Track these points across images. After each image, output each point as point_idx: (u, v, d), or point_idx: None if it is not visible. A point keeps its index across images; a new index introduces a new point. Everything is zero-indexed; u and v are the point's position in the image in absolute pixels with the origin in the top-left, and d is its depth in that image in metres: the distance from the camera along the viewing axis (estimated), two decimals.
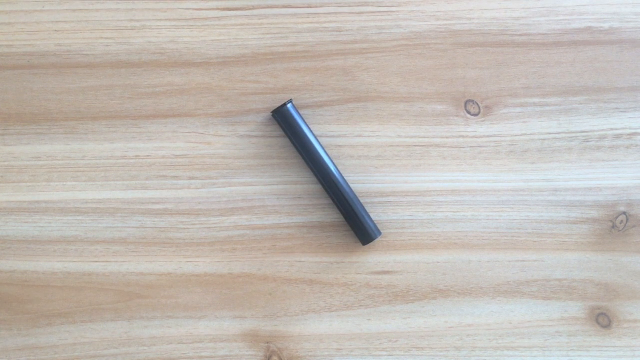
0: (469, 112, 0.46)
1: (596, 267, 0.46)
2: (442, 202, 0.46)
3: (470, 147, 0.46)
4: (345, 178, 0.45)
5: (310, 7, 0.46)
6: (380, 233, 0.45)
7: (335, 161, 0.46)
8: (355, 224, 0.45)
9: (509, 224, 0.46)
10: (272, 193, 0.46)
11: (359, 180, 0.46)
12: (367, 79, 0.46)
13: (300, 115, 0.45)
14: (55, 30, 0.46)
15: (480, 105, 0.46)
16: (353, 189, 0.45)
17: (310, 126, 0.45)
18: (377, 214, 0.46)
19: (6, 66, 0.46)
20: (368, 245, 0.45)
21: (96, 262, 0.46)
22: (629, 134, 0.46)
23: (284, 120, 0.44)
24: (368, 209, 0.46)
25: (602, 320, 0.46)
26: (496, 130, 0.46)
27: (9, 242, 0.46)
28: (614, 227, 0.46)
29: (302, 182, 0.46)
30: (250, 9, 0.46)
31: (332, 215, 0.46)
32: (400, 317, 0.46)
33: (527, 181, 0.46)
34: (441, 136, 0.46)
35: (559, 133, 0.46)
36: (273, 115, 0.45)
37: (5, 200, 0.46)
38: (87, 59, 0.46)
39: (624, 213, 0.46)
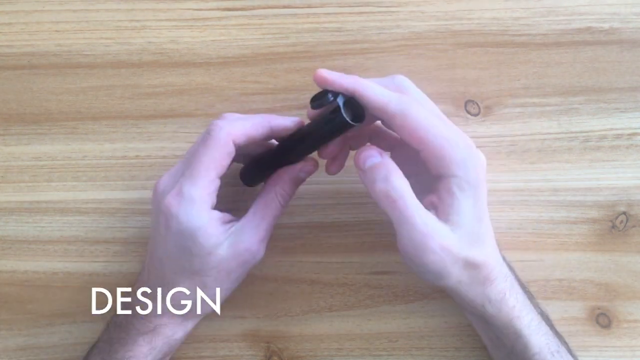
0: (469, 112, 0.46)
1: (596, 267, 0.46)
2: None
3: None
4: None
5: (310, 7, 0.46)
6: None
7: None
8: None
9: (509, 224, 0.46)
10: None
11: (359, 180, 0.46)
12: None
13: None
14: (55, 30, 0.46)
15: (480, 105, 0.46)
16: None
17: None
18: (377, 214, 0.46)
19: (6, 66, 0.46)
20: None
21: (96, 262, 0.46)
22: (629, 134, 0.46)
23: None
24: (368, 208, 0.46)
25: (602, 320, 0.46)
26: (496, 130, 0.46)
27: (9, 242, 0.46)
28: (613, 227, 0.46)
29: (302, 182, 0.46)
30: (250, 9, 0.46)
31: (332, 215, 0.46)
32: (400, 317, 0.46)
33: (527, 181, 0.46)
34: None
35: (559, 133, 0.46)
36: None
37: (5, 200, 0.46)
38: (87, 59, 0.46)
39: (624, 213, 0.46)
